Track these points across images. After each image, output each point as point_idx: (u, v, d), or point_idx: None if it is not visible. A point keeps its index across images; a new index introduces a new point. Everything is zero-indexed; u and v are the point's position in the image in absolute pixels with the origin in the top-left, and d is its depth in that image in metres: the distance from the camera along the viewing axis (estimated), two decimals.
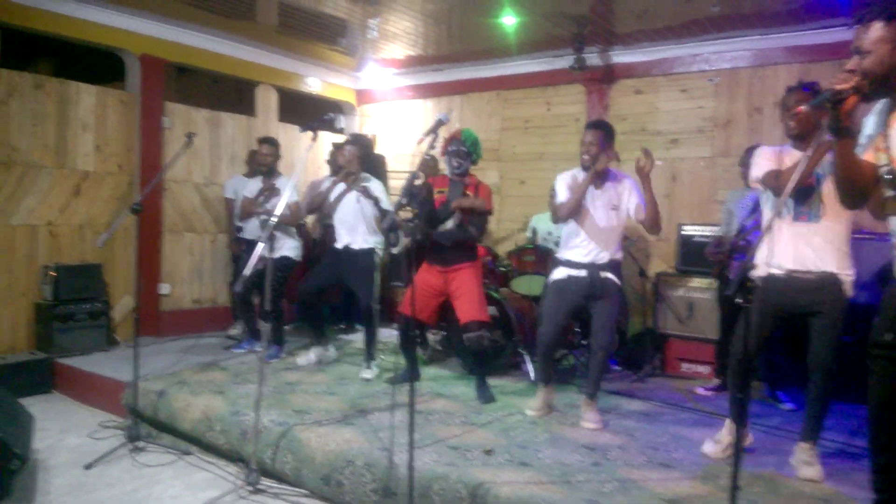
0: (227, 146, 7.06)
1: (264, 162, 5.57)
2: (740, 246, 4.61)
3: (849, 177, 2.16)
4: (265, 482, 3.51)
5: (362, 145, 5.19)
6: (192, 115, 6.77)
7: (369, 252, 5.05)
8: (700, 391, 4.86)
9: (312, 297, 5.09)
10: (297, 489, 3.49)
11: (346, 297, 6.97)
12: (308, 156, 4.64)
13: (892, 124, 2.10)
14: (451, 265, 4.39)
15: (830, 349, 3.18)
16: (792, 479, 3.16)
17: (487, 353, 4.44)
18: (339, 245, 5.13)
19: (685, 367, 5.41)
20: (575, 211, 3.96)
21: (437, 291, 4.44)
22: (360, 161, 5.09)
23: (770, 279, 3.24)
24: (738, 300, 1.94)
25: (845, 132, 2.07)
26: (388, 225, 3.53)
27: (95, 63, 6.88)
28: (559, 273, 4.07)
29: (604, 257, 3.97)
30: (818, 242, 3.16)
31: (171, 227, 6.57)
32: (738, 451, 2.09)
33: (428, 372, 5.17)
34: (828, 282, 3.15)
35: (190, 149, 4.87)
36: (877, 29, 2.04)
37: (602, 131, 3.99)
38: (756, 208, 4.61)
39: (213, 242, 6.91)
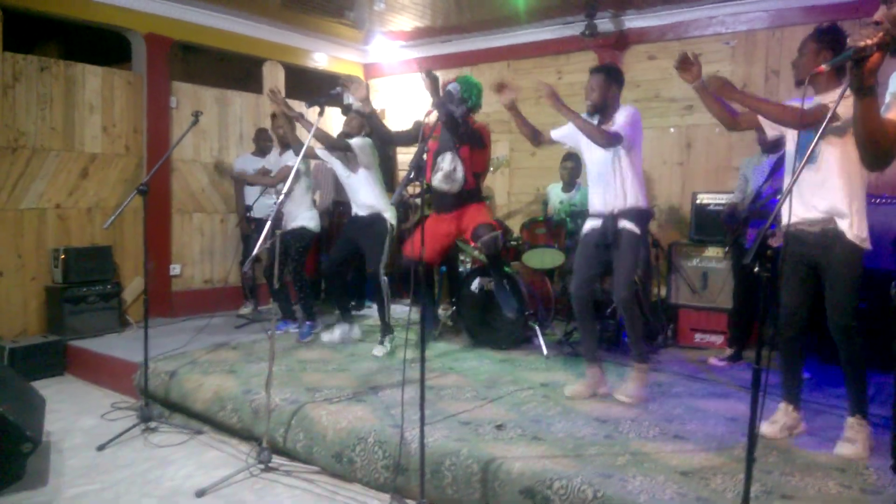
0: (234, 124, 7.01)
1: (279, 135, 5.49)
2: (758, 212, 4.50)
3: (872, 137, 2.05)
4: (277, 460, 3.51)
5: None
6: (200, 93, 6.72)
7: (378, 219, 4.94)
8: (713, 361, 4.79)
9: (334, 267, 5.09)
10: (308, 466, 3.47)
11: (356, 274, 6.94)
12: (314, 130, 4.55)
13: None
14: (456, 209, 4.49)
15: (841, 306, 3.04)
16: (808, 449, 3.09)
17: (500, 257, 4.60)
18: (353, 213, 5.14)
19: (698, 337, 5.33)
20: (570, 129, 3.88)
21: (445, 233, 4.54)
22: (361, 127, 5.03)
23: (789, 236, 3.15)
24: (757, 269, 1.85)
25: (868, 91, 1.97)
26: (394, 201, 3.46)
27: (101, 44, 6.84)
28: (585, 226, 3.96)
29: (618, 204, 3.75)
30: (816, 189, 3.04)
31: (181, 208, 6.55)
32: (753, 424, 2.02)
33: (438, 347, 5.12)
34: (830, 231, 3.03)
35: (198, 128, 4.81)
36: None
37: (604, 73, 3.85)
38: (773, 173, 4.49)
39: (222, 222, 6.89)
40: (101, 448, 3.76)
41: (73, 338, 5.39)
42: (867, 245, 3.04)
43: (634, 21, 6.34)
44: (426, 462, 2.87)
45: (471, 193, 4.53)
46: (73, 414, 4.38)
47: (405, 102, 8.07)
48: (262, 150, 6.49)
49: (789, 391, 3.32)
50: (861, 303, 3.24)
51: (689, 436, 3.29)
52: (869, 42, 1.89)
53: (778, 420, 3.30)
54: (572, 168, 5.84)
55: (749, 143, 5.77)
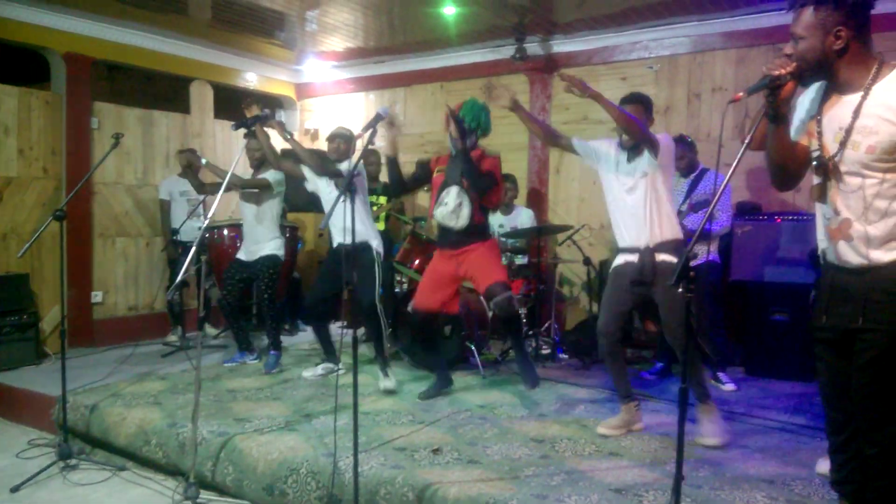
0: (160, 145, 6.80)
1: (252, 157, 5.20)
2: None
3: (782, 161, 2.15)
4: (205, 495, 3.37)
5: (346, 139, 4.85)
6: (123, 114, 6.50)
7: (366, 247, 4.63)
8: (644, 375, 4.89)
9: (319, 306, 4.77)
10: (239, 501, 3.36)
11: (290, 296, 6.81)
12: (243, 153, 4.46)
13: (826, 111, 2.09)
14: (460, 247, 4.09)
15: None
16: (737, 462, 3.17)
17: (519, 317, 4.13)
18: (335, 245, 4.82)
19: (630, 351, 5.43)
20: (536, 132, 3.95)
21: (451, 277, 4.16)
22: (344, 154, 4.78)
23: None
24: (680, 290, 1.89)
25: (782, 119, 2.06)
26: (323, 225, 3.39)
27: (18, 63, 6.55)
28: (618, 259, 3.67)
29: (655, 237, 3.47)
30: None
31: (103, 232, 6.29)
32: (681, 441, 2.06)
33: (374, 370, 5.03)
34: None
35: (121, 149, 4.63)
36: (808, 15, 2.03)
37: (640, 105, 3.63)
38: (689, 194, 4.67)
39: (147, 246, 6.65)
40: (14, 490, 3.53)
41: None
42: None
43: (562, 45, 6.49)
44: (360, 492, 2.82)
45: (477, 230, 4.11)
46: None
47: (339, 123, 8.00)
48: (189, 171, 6.29)
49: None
50: (779, 316, 3.40)
51: (624, 452, 3.33)
52: (783, 71, 1.98)
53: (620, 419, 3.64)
54: (510, 189, 5.91)
55: None
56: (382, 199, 6.19)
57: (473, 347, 5.00)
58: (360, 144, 3.93)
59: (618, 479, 2.96)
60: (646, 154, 3.48)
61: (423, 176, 4.41)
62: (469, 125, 4.06)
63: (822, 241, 2.18)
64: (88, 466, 3.86)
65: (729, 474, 3.03)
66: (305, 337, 6.35)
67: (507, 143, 6.80)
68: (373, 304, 4.55)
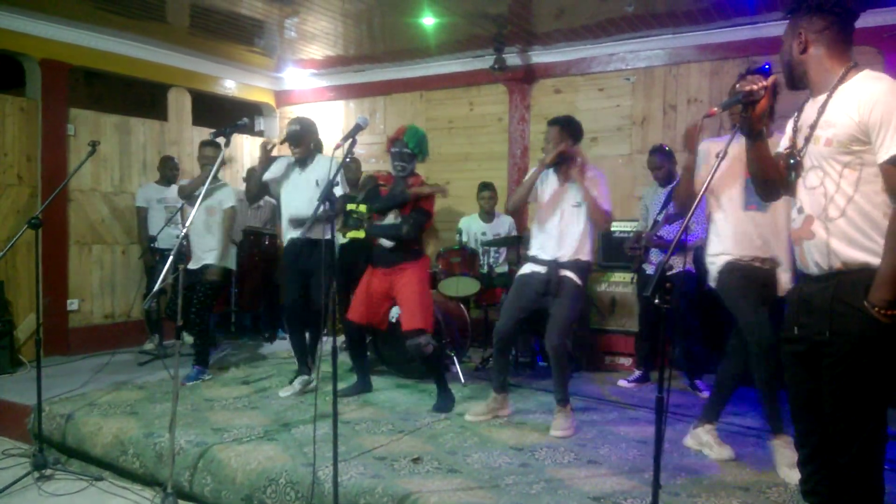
0: (137, 153, 6.74)
1: (206, 164, 5.05)
2: (653, 241, 4.72)
3: (762, 175, 2.21)
4: None
5: (309, 131, 4.81)
6: (100, 120, 6.44)
7: (330, 244, 4.44)
8: (623, 383, 4.94)
9: (297, 308, 4.65)
10: None
11: (269, 305, 6.79)
12: (220, 161, 4.43)
13: (802, 112, 2.16)
14: (393, 265, 4.26)
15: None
16: (713, 471, 3.22)
17: (434, 358, 4.25)
18: (292, 236, 4.64)
19: (608, 359, 5.50)
20: (522, 199, 3.96)
21: (384, 294, 4.32)
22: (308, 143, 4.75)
23: (735, 266, 3.26)
24: (656, 301, 1.93)
25: (758, 134, 2.12)
26: (303, 234, 3.41)
27: None
28: (524, 268, 4.03)
29: (565, 255, 3.86)
30: (765, 231, 3.22)
31: (79, 240, 6.22)
32: (659, 447, 2.09)
33: (353, 378, 5.03)
34: (774, 272, 3.23)
35: (97, 156, 4.58)
36: (788, 23, 2.18)
37: (558, 126, 3.94)
38: (667, 203, 4.74)
39: (124, 254, 6.59)
40: None
41: None
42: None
43: (541, 56, 6.56)
44: (340, 502, 2.82)
45: (408, 250, 4.27)
46: None
47: (319, 130, 8.00)
48: (167, 178, 6.27)
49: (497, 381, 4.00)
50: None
51: (602, 460, 3.37)
52: (755, 87, 2.04)
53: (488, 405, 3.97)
54: (490, 197, 5.98)
55: (648, 174, 6.06)
56: (362, 208, 6.18)
57: (454, 356, 5.02)
58: (338, 154, 3.93)
59: (596, 488, 2.99)
60: (578, 188, 3.86)
61: (373, 191, 4.46)
62: (412, 150, 4.23)
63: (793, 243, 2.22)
64: (64, 476, 3.81)
65: (706, 482, 3.08)
66: (284, 345, 6.31)
67: (488, 153, 6.88)
68: (320, 307, 4.50)
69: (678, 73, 6.02)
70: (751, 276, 3.21)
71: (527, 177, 3.99)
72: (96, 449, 3.85)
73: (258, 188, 4.73)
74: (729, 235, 3.27)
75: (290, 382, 4.75)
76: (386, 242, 4.27)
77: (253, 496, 3.18)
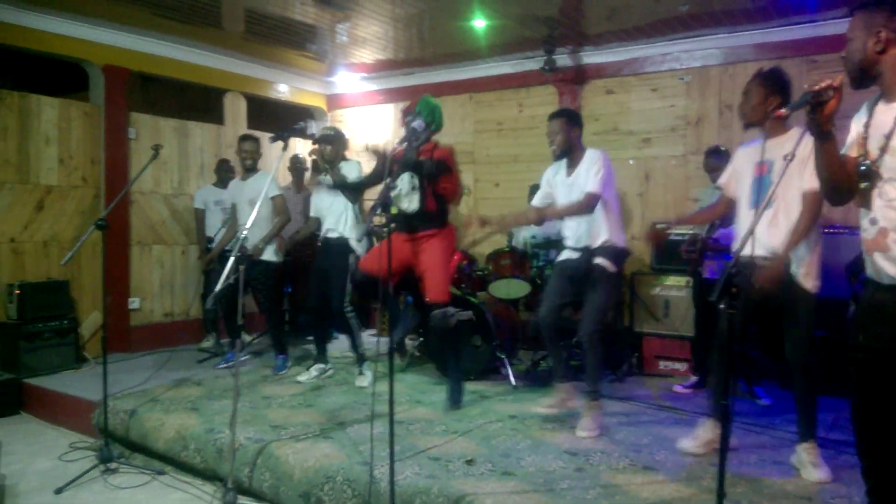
0: (195, 156, 6.94)
1: (245, 159, 5.30)
2: (709, 244, 4.64)
3: (832, 177, 2.15)
4: (242, 501, 3.42)
5: (331, 140, 4.96)
6: (159, 124, 6.64)
7: (344, 246, 4.86)
8: (678, 388, 4.87)
9: (317, 302, 4.94)
10: None
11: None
12: (280, 165, 4.54)
13: (874, 118, 2.10)
14: (417, 232, 4.20)
15: (799, 344, 3.17)
16: (775, 477, 3.16)
17: (457, 331, 4.22)
18: (322, 237, 5.05)
19: (663, 364, 5.42)
20: (538, 221, 4.02)
21: (404, 260, 4.21)
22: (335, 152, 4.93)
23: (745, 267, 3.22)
24: (722, 305, 1.90)
25: (827, 135, 2.06)
26: (362, 233, 3.46)
27: (58, 75, 6.73)
28: (561, 255, 4.05)
29: (594, 241, 3.83)
30: (770, 230, 3.15)
31: (140, 240, 6.43)
32: (724, 453, 2.06)
33: (406, 379, 5.10)
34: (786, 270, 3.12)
35: (157, 159, 4.73)
36: (856, 17, 2.12)
37: (565, 117, 3.93)
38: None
39: (183, 254, 6.78)
40: (59, 491, 3.63)
41: (29, 376, 5.21)
42: (816, 290, 3.18)
43: (592, 57, 6.51)
44: (396, 501, 2.85)
45: (431, 217, 4.21)
46: (29, 455, 4.22)
47: (369, 133, 8.11)
48: (223, 180, 6.43)
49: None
50: (818, 330, 3.36)
51: (659, 466, 3.32)
52: (825, 87, 1.99)
53: (699, 435, 3.44)
54: None
55: (704, 174, 5.93)
56: None
57: (505, 357, 5.02)
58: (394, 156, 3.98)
59: (654, 494, 2.95)
60: (583, 173, 3.84)
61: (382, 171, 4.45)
62: (425, 119, 4.16)
63: (863, 249, 2.16)
64: (128, 470, 3.95)
65: (766, 490, 3.01)
66: (338, 344, 6.41)
67: (537, 154, 6.84)
68: (341, 309, 4.78)
69: (734, 72, 5.90)
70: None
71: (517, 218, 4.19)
72: (159, 444, 3.98)
73: None
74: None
75: (308, 368, 5.15)
76: (405, 204, 4.15)
77: (310, 493, 3.24)
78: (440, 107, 4.33)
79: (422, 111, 4.19)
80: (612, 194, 3.90)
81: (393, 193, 4.09)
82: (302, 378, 5.05)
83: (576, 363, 5.29)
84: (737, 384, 4.67)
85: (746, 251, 3.13)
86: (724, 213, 3.65)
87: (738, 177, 3.41)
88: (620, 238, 3.91)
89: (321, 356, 5.18)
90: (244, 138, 5.37)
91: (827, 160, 2.11)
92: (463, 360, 4.81)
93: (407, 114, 4.25)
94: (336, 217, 4.95)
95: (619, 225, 3.93)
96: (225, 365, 5.47)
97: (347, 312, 4.86)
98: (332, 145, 4.89)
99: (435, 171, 4.13)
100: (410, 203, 4.17)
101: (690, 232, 5.06)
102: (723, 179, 3.57)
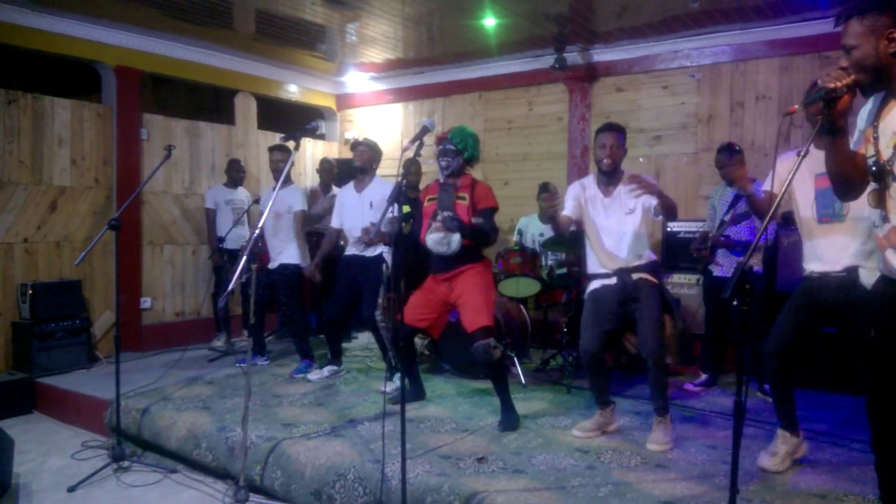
0: (206, 156, 6.97)
1: (276, 168, 5.26)
2: (721, 241, 4.62)
3: (843, 172, 2.14)
4: (254, 498, 3.42)
5: (373, 148, 5.03)
6: (171, 125, 6.67)
7: (378, 261, 4.82)
8: (688, 387, 4.84)
9: (336, 315, 4.95)
10: None
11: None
12: (290, 164, 4.56)
13: (883, 117, 2.08)
14: (451, 270, 3.97)
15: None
16: (787, 475, 3.13)
17: (501, 364, 4.00)
18: (348, 253, 4.96)
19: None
20: (561, 231, 3.80)
21: (441, 301, 4.05)
22: (369, 162, 4.94)
23: (806, 280, 3.20)
24: (735, 303, 1.89)
25: (840, 131, 2.05)
26: (372, 235, 3.46)
27: (70, 76, 6.79)
28: (593, 285, 3.80)
29: (631, 261, 3.70)
30: (842, 241, 3.03)
31: (151, 240, 6.47)
32: (736, 450, 2.05)
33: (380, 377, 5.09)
34: (852, 278, 3.01)
35: (169, 160, 4.76)
36: (855, 24, 2.05)
37: (622, 133, 3.80)
38: (734, 203, 4.62)
39: (194, 254, 6.81)
40: (72, 489, 3.66)
41: (41, 375, 5.25)
42: None
43: (602, 54, 6.49)
44: (408, 499, 2.85)
45: (466, 255, 3.94)
46: (41, 454, 4.26)
47: (379, 133, 8.12)
48: (233, 181, 6.46)
49: (783, 417, 3.29)
50: (827, 327, 3.32)
51: (671, 464, 3.31)
52: (838, 84, 1.98)
53: (778, 451, 3.25)
54: (548, 199, 5.91)
55: (716, 172, 5.89)
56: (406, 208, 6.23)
57: (514, 356, 5.01)
58: (406, 156, 3.97)
59: (666, 492, 2.94)
60: (624, 195, 3.70)
61: (416, 213, 4.33)
62: (456, 146, 3.99)
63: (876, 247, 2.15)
64: (140, 468, 3.97)
65: (779, 488, 2.99)
66: (358, 343, 6.46)
67: (547, 152, 6.85)
68: (372, 317, 4.77)
69: (746, 69, 5.87)
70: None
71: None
72: (171, 442, 4.00)
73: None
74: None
75: (320, 368, 5.18)
76: (444, 249, 3.91)
77: (322, 490, 3.25)
78: (476, 136, 4.09)
79: (454, 136, 4.00)
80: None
81: (429, 238, 3.93)
82: (313, 377, 5.07)
83: (555, 364, 5.26)
84: (747, 382, 4.65)
85: (818, 268, 3.12)
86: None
87: (790, 187, 3.20)
88: (652, 253, 3.81)
89: (336, 358, 5.21)
90: (274, 148, 5.34)
91: (840, 156, 2.10)
92: (472, 360, 4.77)
93: (440, 140, 4.05)
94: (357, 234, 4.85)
95: (648, 241, 3.82)
96: (243, 365, 5.43)
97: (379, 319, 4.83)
98: (365, 163, 4.93)
99: (487, 229, 3.92)
100: (450, 246, 3.89)
101: (701, 230, 5.04)
102: (767, 186, 3.36)
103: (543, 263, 5.63)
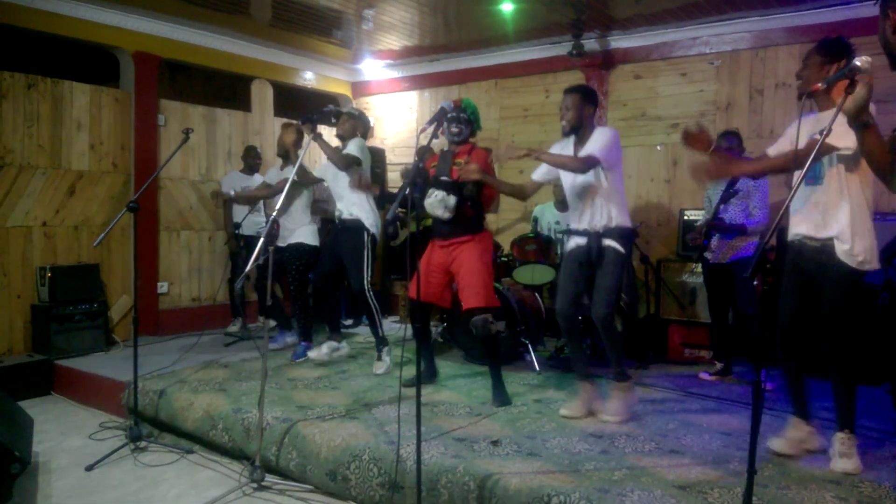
0: (222, 142, 7.00)
1: (283, 145, 5.40)
2: (714, 224, 4.58)
3: (878, 162, 2.12)
4: (270, 479, 3.47)
5: (357, 118, 5.04)
6: (188, 111, 6.71)
7: (358, 226, 4.78)
8: (703, 376, 4.82)
9: (322, 281, 4.94)
10: (302, 485, 3.43)
11: (348, 288, 6.91)
12: (308, 148, 4.57)
13: None
14: (451, 238, 4.11)
15: (833, 328, 3.01)
16: (802, 461, 3.11)
17: (497, 339, 4.14)
18: (337, 216, 4.96)
19: (688, 352, 5.36)
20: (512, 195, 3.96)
21: (443, 269, 4.18)
22: (350, 130, 4.96)
23: (789, 246, 3.15)
24: (755, 282, 1.88)
25: (864, 125, 2.04)
26: (390, 215, 3.46)
27: (89, 62, 6.83)
28: (569, 243, 3.93)
29: (600, 221, 3.72)
30: (822, 206, 3.01)
31: (168, 226, 6.52)
32: (755, 435, 2.04)
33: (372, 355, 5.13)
34: (828, 249, 3.00)
35: (186, 146, 4.79)
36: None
37: (582, 93, 3.82)
38: (728, 189, 4.57)
39: (210, 240, 6.86)
40: (89, 468, 3.70)
41: (60, 357, 5.31)
42: (866, 267, 2.98)
43: (620, 41, 6.44)
44: (422, 480, 2.86)
45: (467, 223, 4.11)
46: (60, 434, 4.31)
47: (395, 120, 8.12)
48: (250, 167, 6.49)
49: (795, 404, 3.29)
50: None
51: (685, 450, 3.30)
52: (863, 63, 1.95)
53: (790, 435, 3.25)
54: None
55: None
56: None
57: (529, 343, 5.01)
58: (422, 138, 3.96)
59: (680, 477, 2.93)
60: (589, 147, 3.72)
61: (422, 176, 4.32)
62: (469, 116, 4.18)
63: None
64: (157, 449, 4.01)
65: (795, 474, 2.97)
66: (364, 330, 6.45)
67: (544, 140, 6.78)
68: (362, 290, 4.70)
69: (766, 56, 5.80)
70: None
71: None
72: (187, 423, 4.03)
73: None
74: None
75: (320, 345, 5.10)
76: (440, 212, 4.05)
77: (337, 471, 3.27)
78: (478, 109, 4.31)
79: (467, 108, 4.16)
80: (617, 174, 3.79)
81: (427, 202, 4.06)
82: (313, 354, 5.05)
83: (600, 350, 5.26)
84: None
85: (800, 230, 3.09)
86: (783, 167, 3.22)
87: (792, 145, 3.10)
88: (626, 219, 3.82)
89: (334, 333, 5.16)
90: (287, 125, 5.44)
91: (870, 147, 2.08)
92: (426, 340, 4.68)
93: (454, 108, 4.03)
94: (351, 199, 4.84)
95: (624, 206, 3.83)
96: (275, 345, 5.57)
97: (369, 294, 4.79)
98: (353, 121, 4.95)
99: (476, 192, 4.08)
100: (446, 210, 4.03)
101: (706, 217, 5.00)
102: (775, 148, 3.28)
103: (558, 251, 5.61)
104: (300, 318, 5.29)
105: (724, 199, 4.57)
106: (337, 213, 4.94)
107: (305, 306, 5.29)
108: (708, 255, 4.72)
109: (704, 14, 5.76)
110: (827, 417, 3.36)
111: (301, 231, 5.27)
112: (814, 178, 3.04)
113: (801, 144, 2.84)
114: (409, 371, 4.58)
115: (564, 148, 3.89)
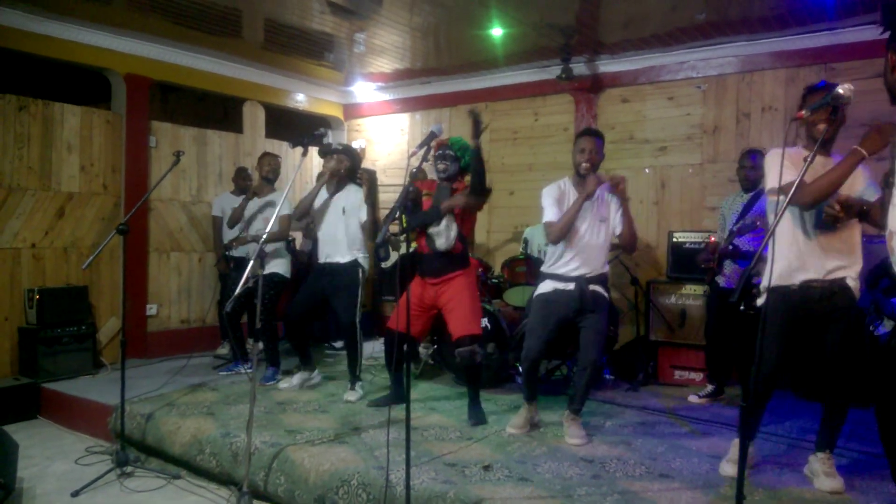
0: (213, 164, 7.01)
1: (265, 175, 5.56)
2: (728, 251, 4.60)
3: (875, 217, 2.15)
4: None
5: (351, 156, 5.07)
6: (179, 133, 6.72)
7: (353, 266, 4.79)
8: (693, 399, 4.82)
9: (297, 318, 4.90)
10: None
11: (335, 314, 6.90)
12: (298, 171, 4.58)
13: None
14: (441, 276, 4.21)
15: (846, 363, 3.04)
16: (792, 485, 3.12)
17: (480, 368, 4.24)
18: (321, 261, 4.91)
19: (678, 374, 5.37)
20: (568, 230, 3.78)
21: (429, 305, 4.27)
22: (348, 170, 4.91)
23: (788, 290, 3.02)
24: (742, 308, 1.90)
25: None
26: (379, 240, 3.47)
27: (80, 84, 6.84)
28: (545, 286, 3.90)
29: (593, 271, 3.82)
30: (835, 250, 2.99)
31: (158, 247, 6.49)
32: (743, 462, 2.04)
33: (420, 387, 5.10)
34: (838, 289, 2.99)
35: (177, 167, 4.80)
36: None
37: (601, 139, 3.90)
38: (744, 213, 4.60)
39: (200, 261, 6.84)
40: (75, 494, 3.65)
41: (47, 380, 5.26)
42: (858, 294, 3.04)
43: (608, 65, 6.51)
44: None
45: (456, 258, 4.22)
46: (46, 459, 4.26)
47: (386, 143, 8.16)
48: (241, 189, 6.47)
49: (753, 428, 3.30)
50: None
51: (675, 474, 3.29)
52: (847, 92, 1.98)
53: (733, 459, 3.25)
54: None
55: (721, 183, 5.94)
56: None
57: (519, 366, 4.99)
58: (413, 161, 3.98)
59: (671, 502, 2.92)
60: (600, 204, 3.86)
61: (415, 203, 4.38)
62: (455, 153, 4.25)
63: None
64: (144, 474, 3.97)
65: (785, 498, 2.98)
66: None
67: (552, 163, 6.86)
68: (352, 323, 4.72)
69: (752, 80, 5.88)
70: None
71: (571, 207, 3.77)
72: (175, 448, 3.99)
73: (305, 212, 4.95)
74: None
75: (290, 376, 5.13)
76: (441, 240, 4.15)
77: (326, 497, 3.24)
78: (470, 148, 4.27)
79: (454, 143, 4.27)
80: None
81: (433, 229, 4.17)
82: (283, 385, 5.01)
83: (561, 374, 5.30)
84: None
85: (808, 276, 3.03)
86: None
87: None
88: (607, 265, 3.98)
89: (306, 365, 5.12)
90: (266, 154, 5.60)
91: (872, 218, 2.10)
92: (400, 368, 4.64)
93: (439, 146, 4.24)
94: (346, 246, 4.81)
95: (608, 253, 3.98)
96: (227, 372, 5.53)
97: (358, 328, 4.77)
98: (351, 161, 4.94)
99: (481, 169, 4.12)
100: (447, 241, 4.15)
101: (705, 240, 5.04)
102: (775, 183, 3.21)
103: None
104: (268, 345, 5.26)
105: (742, 231, 4.49)
106: (324, 258, 4.87)
107: (274, 334, 5.31)
108: (720, 279, 4.72)
109: (691, 39, 5.84)
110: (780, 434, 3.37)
111: (277, 262, 5.31)
112: (823, 225, 2.96)
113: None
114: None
115: (562, 191, 3.92)
